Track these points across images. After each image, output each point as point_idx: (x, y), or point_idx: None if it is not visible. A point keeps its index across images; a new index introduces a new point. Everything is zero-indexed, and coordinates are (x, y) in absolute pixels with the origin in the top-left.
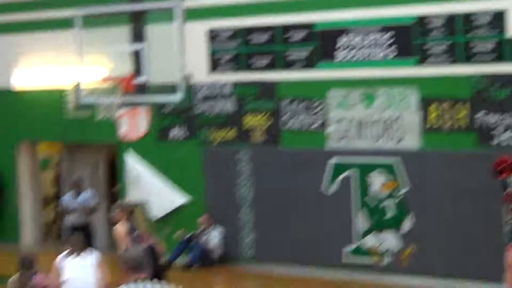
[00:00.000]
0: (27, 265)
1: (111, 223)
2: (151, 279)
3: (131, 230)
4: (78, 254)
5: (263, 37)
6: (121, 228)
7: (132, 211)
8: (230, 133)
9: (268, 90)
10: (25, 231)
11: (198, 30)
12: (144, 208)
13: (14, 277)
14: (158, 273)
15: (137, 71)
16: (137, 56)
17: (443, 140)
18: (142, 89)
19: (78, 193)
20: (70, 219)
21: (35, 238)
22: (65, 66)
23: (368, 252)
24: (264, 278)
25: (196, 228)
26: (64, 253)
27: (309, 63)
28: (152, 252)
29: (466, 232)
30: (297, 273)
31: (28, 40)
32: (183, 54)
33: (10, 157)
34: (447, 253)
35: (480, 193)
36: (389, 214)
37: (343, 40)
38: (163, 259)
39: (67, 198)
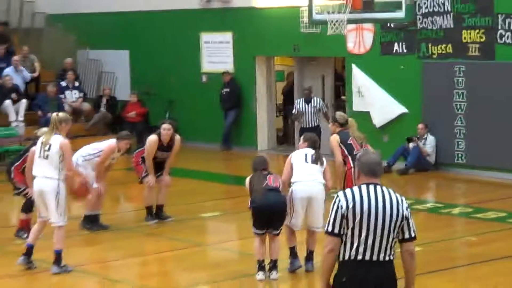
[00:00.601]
0: (261, 167)
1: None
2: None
3: (344, 139)
4: (310, 157)
5: None
6: (334, 138)
7: (346, 122)
8: (447, 48)
9: (485, 6)
10: (260, 136)
11: None
12: (355, 119)
13: (250, 176)
14: None
15: None
16: None
17: None
18: (369, 6)
19: (309, 99)
20: (301, 122)
21: (269, 143)
22: None
23: None
24: (475, 183)
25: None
26: (296, 153)
27: None
28: None
29: None
30: (506, 179)
31: None
32: None
33: (248, 70)
34: None
35: None
36: None
37: None
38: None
39: (299, 103)
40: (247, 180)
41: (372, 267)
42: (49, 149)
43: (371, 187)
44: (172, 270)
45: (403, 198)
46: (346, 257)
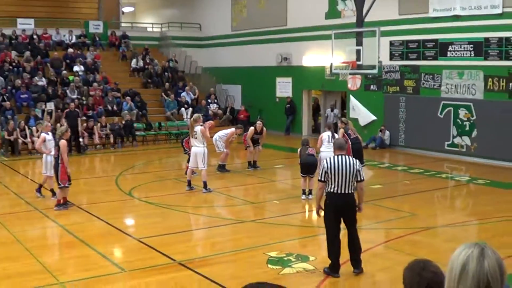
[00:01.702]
0: (305, 143)
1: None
2: (349, 155)
3: (346, 130)
4: (330, 138)
5: (414, 45)
6: (342, 130)
7: (347, 122)
8: (396, 88)
9: (415, 69)
10: (303, 128)
11: (385, 41)
12: (351, 121)
13: (300, 148)
14: (357, 152)
15: (358, 58)
16: (358, 52)
17: None
18: (359, 67)
19: (332, 109)
20: (326, 121)
21: (308, 132)
22: (326, 56)
23: (457, 146)
24: (408, 155)
25: (378, 131)
26: (324, 134)
27: (434, 57)
28: (357, 141)
29: None
30: (424, 153)
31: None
32: (379, 52)
33: (298, 97)
34: None
35: None
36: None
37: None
38: (362, 144)
39: (327, 112)
40: (298, 150)
41: (342, 196)
42: (196, 133)
43: (340, 156)
44: (259, 193)
45: (357, 161)
46: (329, 191)
